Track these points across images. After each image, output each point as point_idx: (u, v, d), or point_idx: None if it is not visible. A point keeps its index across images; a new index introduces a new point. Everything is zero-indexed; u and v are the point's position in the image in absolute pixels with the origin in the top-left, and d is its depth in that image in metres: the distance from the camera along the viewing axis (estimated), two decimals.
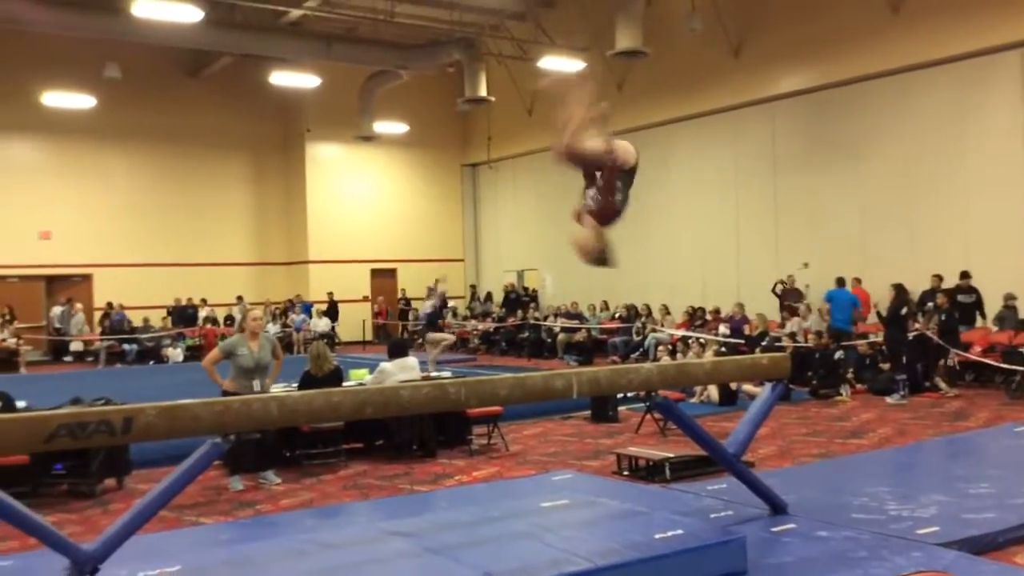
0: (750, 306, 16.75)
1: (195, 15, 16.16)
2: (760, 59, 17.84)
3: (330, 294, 23.93)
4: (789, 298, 16.37)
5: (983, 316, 14.12)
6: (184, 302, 23.09)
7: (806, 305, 15.93)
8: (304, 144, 24.70)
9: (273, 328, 21.17)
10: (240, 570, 4.76)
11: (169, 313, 22.72)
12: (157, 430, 4.16)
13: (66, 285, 22.97)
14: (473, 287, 26.37)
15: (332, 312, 23.73)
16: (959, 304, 13.90)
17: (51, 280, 23.01)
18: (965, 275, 14.11)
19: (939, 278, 14.24)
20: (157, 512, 4.49)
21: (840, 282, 15.22)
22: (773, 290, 16.96)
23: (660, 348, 15.78)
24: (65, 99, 20.97)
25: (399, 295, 25.23)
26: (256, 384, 7.71)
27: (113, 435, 4.06)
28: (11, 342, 20.01)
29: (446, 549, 4.87)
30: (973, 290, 14.12)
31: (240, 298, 22.94)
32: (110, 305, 22.28)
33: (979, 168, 14.90)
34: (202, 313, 22.97)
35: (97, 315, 22.61)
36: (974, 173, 14.97)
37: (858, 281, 15.66)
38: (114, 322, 21.79)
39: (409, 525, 5.53)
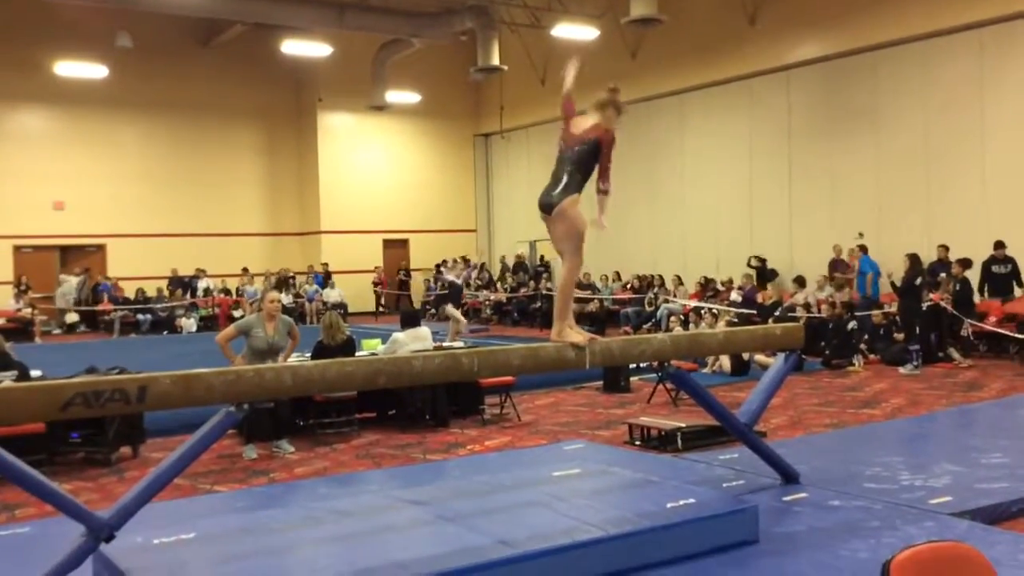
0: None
1: None
2: (776, 27, 17.62)
3: (324, 264, 23.90)
4: (838, 268, 16.22)
5: (1020, 286, 13.78)
6: (188, 272, 22.94)
7: (824, 276, 15.82)
8: (316, 114, 24.58)
9: (285, 298, 21.19)
10: (256, 537, 4.80)
11: (174, 285, 22.62)
12: (171, 399, 4.18)
13: (80, 255, 23.04)
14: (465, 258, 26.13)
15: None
16: (994, 275, 13.70)
17: (65, 250, 23.09)
18: (1000, 245, 13.70)
19: (945, 248, 14.12)
20: (172, 480, 4.52)
21: (864, 250, 15.15)
22: (749, 263, 17.01)
23: (672, 318, 15.77)
24: (77, 69, 20.91)
25: (399, 266, 25.16)
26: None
27: (128, 403, 4.08)
28: (26, 312, 20.15)
29: (459, 517, 4.89)
30: (1009, 260, 13.71)
31: (245, 270, 22.99)
32: (98, 275, 22.33)
33: (998, 136, 14.71)
34: (201, 284, 22.89)
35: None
36: (993, 142, 14.79)
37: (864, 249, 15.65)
38: (99, 293, 21.71)
39: (422, 493, 5.56)
